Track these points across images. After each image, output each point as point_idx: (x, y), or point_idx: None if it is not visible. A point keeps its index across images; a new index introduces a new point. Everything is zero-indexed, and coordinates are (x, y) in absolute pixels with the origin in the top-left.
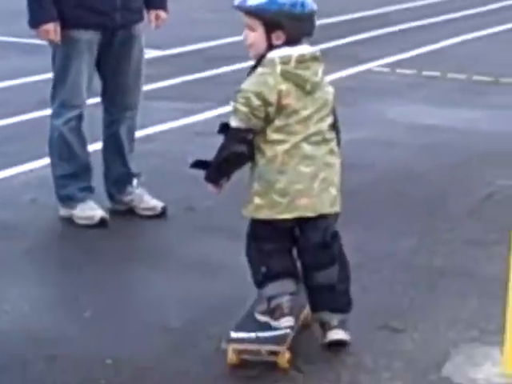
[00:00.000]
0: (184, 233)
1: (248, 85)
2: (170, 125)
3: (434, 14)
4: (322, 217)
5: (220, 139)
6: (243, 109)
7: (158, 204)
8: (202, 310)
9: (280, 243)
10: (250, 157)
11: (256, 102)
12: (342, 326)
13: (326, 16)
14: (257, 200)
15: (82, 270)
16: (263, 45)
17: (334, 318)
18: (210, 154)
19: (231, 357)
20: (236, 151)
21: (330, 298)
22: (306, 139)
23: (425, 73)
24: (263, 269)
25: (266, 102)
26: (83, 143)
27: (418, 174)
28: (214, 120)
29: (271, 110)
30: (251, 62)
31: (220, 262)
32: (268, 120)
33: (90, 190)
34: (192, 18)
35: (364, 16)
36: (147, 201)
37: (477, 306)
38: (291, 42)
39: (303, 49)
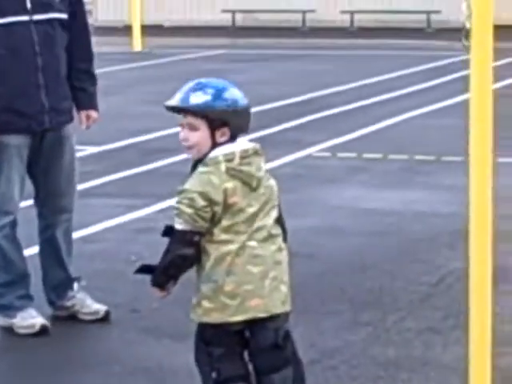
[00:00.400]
0: (128, 336)
1: (191, 185)
2: (111, 222)
3: (371, 95)
4: (272, 317)
5: (162, 238)
6: (188, 210)
7: (100, 308)
8: None
9: (230, 347)
10: (197, 259)
11: (201, 202)
12: None
13: (258, 104)
14: (205, 303)
15: (25, 380)
16: (207, 144)
17: None
18: (153, 253)
19: None
20: (182, 254)
21: None
22: (251, 236)
23: (366, 155)
24: (213, 374)
25: (211, 202)
26: (19, 250)
27: (365, 261)
28: (155, 215)
29: (218, 209)
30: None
31: (166, 366)
32: (214, 220)
33: (28, 297)
34: (126, 111)
35: (299, 101)
36: (89, 305)
37: None
38: (233, 138)
39: (244, 144)
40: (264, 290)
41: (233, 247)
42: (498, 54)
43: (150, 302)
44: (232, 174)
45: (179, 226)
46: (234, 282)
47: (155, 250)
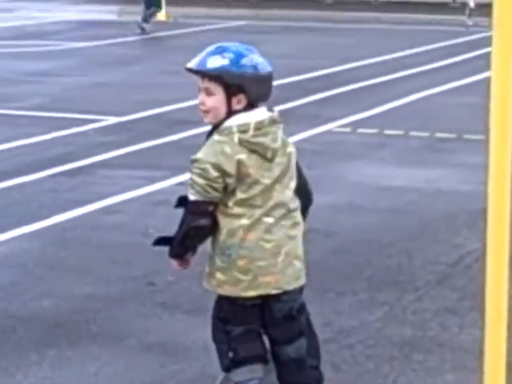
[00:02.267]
0: (144, 309)
1: (204, 154)
2: (130, 194)
3: (393, 70)
4: (286, 292)
5: (180, 211)
6: (200, 181)
7: None
8: None
9: (248, 325)
10: (212, 229)
11: (214, 173)
12: None
13: (279, 77)
14: (219, 275)
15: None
16: (223, 110)
17: None
18: (171, 226)
19: None
20: (197, 225)
21: (299, 373)
22: (268, 213)
23: (387, 131)
24: (230, 354)
25: (224, 173)
26: None
27: (383, 239)
28: (174, 188)
29: (230, 181)
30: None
31: (181, 340)
32: (227, 191)
33: None
34: (149, 82)
35: (321, 75)
36: None
37: (452, 381)
38: (250, 105)
39: (261, 114)
40: (277, 266)
41: (245, 222)
42: None
43: (166, 276)
44: (245, 145)
45: (192, 196)
46: (247, 257)
47: (173, 223)
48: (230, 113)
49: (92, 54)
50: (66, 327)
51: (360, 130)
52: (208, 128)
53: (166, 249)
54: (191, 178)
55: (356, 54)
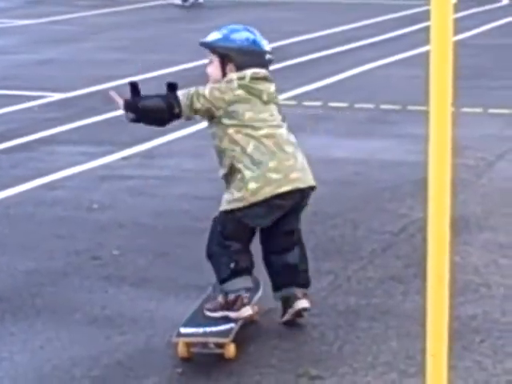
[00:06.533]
0: (89, 283)
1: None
2: (74, 170)
3: (337, 43)
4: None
5: (124, 186)
6: (206, 92)
7: None
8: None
9: (245, 242)
10: (161, 124)
11: (217, 94)
12: (305, 297)
13: None
14: (252, 185)
15: None
16: (219, 75)
17: (299, 292)
18: (115, 200)
19: (181, 350)
20: (165, 107)
21: (295, 275)
22: (279, 126)
23: (331, 104)
24: (232, 264)
25: (224, 101)
26: None
27: (328, 210)
28: (118, 163)
29: (224, 106)
30: None
31: (127, 313)
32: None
33: None
34: (95, 58)
35: None
36: None
37: (396, 347)
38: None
39: (255, 70)
40: (298, 165)
41: (264, 131)
42: (462, 4)
43: (110, 250)
44: (243, 88)
45: (181, 93)
46: (277, 159)
47: (117, 198)
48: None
49: (37, 31)
50: (9, 302)
51: (305, 103)
52: None
53: (109, 223)
54: (197, 92)
55: (302, 27)
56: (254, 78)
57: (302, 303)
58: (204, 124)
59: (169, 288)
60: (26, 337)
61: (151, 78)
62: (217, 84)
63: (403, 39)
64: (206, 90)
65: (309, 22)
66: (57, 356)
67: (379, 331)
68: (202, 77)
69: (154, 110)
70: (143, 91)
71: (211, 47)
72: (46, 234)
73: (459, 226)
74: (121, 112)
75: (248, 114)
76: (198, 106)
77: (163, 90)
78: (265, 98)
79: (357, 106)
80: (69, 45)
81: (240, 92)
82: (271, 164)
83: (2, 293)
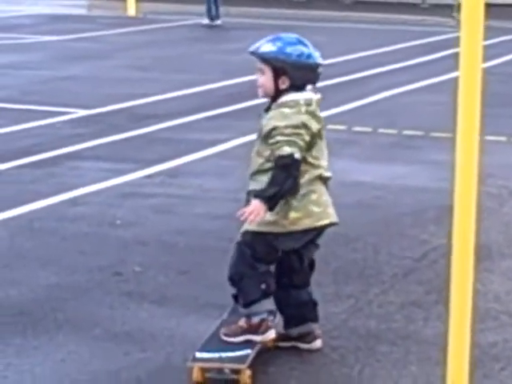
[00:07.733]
0: (110, 299)
1: (286, 122)
2: (98, 186)
3: (362, 68)
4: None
5: (147, 203)
6: (300, 142)
7: None
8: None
9: (271, 265)
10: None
11: (304, 133)
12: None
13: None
14: (293, 214)
15: None
16: (271, 87)
17: (318, 328)
18: (138, 217)
19: (196, 374)
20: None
21: (314, 311)
22: (327, 168)
23: (355, 128)
24: (263, 286)
25: (307, 130)
26: None
27: (350, 234)
28: (141, 181)
29: (308, 137)
30: (180, 120)
31: (147, 330)
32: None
33: None
34: (118, 76)
35: None
36: None
37: (417, 373)
38: (295, 87)
39: (312, 94)
40: (329, 202)
41: (319, 171)
42: (490, 32)
43: (132, 266)
44: (311, 116)
45: (297, 154)
46: (317, 192)
47: (140, 215)
48: (278, 90)
49: (60, 48)
50: (31, 316)
51: (329, 127)
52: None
53: (132, 239)
54: (289, 140)
55: (327, 52)
56: (318, 105)
57: (319, 343)
58: (228, 144)
59: (189, 306)
60: (47, 350)
61: (176, 98)
62: (284, 113)
63: (428, 65)
64: (287, 129)
65: (334, 46)
66: (77, 370)
67: (399, 356)
68: (227, 97)
69: (281, 185)
70: (167, 110)
71: (264, 58)
72: (69, 249)
73: (481, 253)
74: (146, 131)
75: (313, 152)
76: (306, 138)
77: (186, 109)
78: (322, 124)
79: (380, 130)
80: (91, 62)
81: (311, 123)
82: (313, 197)
83: (23, 306)
